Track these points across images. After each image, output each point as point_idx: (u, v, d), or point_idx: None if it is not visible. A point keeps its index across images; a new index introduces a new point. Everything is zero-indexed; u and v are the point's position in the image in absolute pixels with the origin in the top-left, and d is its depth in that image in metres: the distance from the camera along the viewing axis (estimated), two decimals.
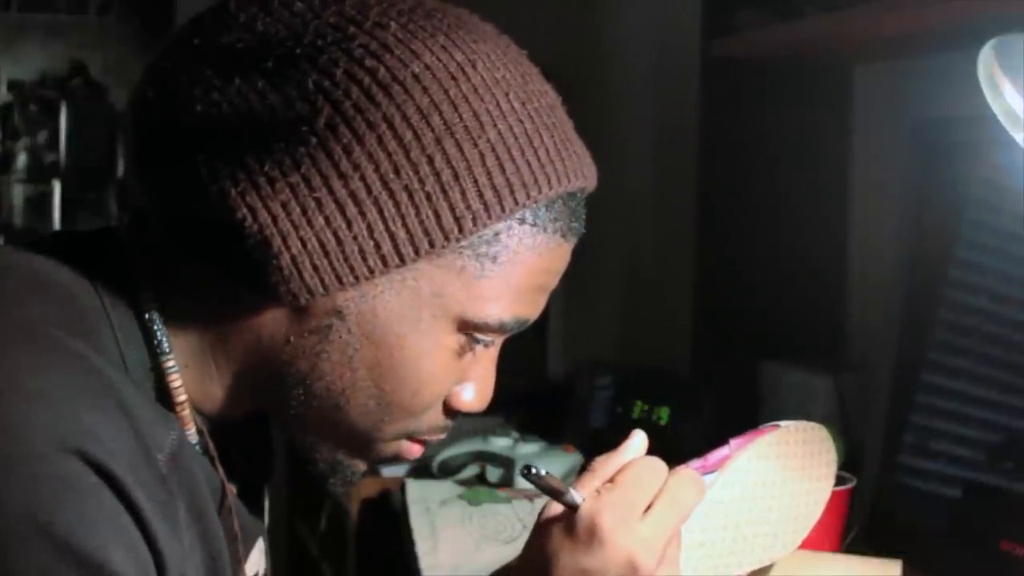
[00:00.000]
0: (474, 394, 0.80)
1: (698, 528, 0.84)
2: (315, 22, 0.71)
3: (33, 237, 0.78)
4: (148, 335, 0.73)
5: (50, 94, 3.47)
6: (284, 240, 0.68)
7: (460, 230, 0.70)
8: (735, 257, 1.85)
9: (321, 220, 0.68)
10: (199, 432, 0.75)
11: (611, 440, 1.98)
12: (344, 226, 0.69)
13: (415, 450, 0.81)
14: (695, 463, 0.85)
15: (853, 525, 1.34)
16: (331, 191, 0.68)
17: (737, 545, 0.86)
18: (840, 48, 1.68)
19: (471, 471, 1.76)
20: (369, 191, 0.68)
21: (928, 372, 1.45)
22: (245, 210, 0.68)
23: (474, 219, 0.70)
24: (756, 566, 0.89)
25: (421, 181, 0.69)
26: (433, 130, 0.69)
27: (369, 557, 1.81)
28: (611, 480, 0.78)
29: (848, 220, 1.84)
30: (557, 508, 0.78)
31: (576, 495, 0.76)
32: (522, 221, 0.73)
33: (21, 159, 3.55)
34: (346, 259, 0.69)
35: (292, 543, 2.67)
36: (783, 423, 0.89)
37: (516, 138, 0.71)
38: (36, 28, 3.39)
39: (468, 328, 0.75)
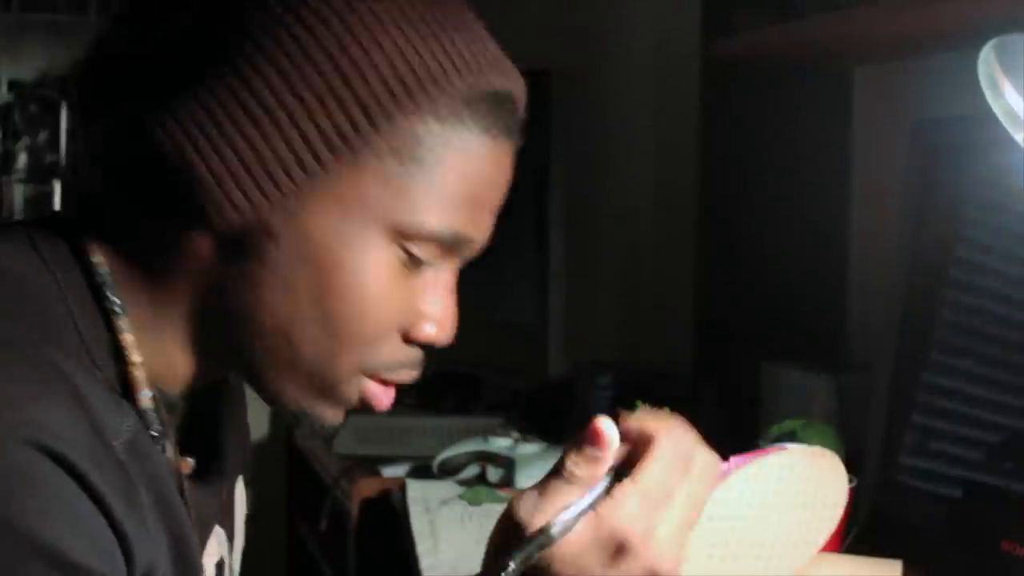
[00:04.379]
0: (433, 322, 0.77)
1: None
2: None
3: None
4: (101, 300, 0.73)
5: (50, 94, 3.47)
6: (201, 156, 0.69)
7: (372, 126, 0.70)
8: (735, 257, 1.85)
9: (233, 131, 0.69)
10: (154, 400, 0.74)
11: None
12: (258, 136, 0.69)
13: (381, 395, 0.78)
14: None
15: (853, 525, 1.34)
16: (242, 105, 0.69)
17: (725, 565, 0.83)
18: (840, 48, 1.68)
19: (471, 471, 1.76)
20: (278, 99, 0.69)
21: (928, 372, 1.45)
22: (163, 137, 0.69)
23: (385, 114, 0.70)
24: None
25: (325, 79, 0.69)
26: (330, 29, 0.70)
27: (369, 557, 1.81)
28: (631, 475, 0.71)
29: (848, 220, 1.84)
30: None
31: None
32: (440, 119, 0.72)
33: (21, 159, 3.54)
34: (265, 168, 0.70)
35: (292, 543, 2.67)
36: (790, 446, 0.85)
37: (418, 32, 0.71)
38: (36, 28, 3.39)
39: (401, 239, 0.73)
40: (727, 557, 0.82)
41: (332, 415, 0.78)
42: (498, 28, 0.77)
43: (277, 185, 0.70)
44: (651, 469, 0.70)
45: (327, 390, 0.76)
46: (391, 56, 0.70)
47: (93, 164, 0.74)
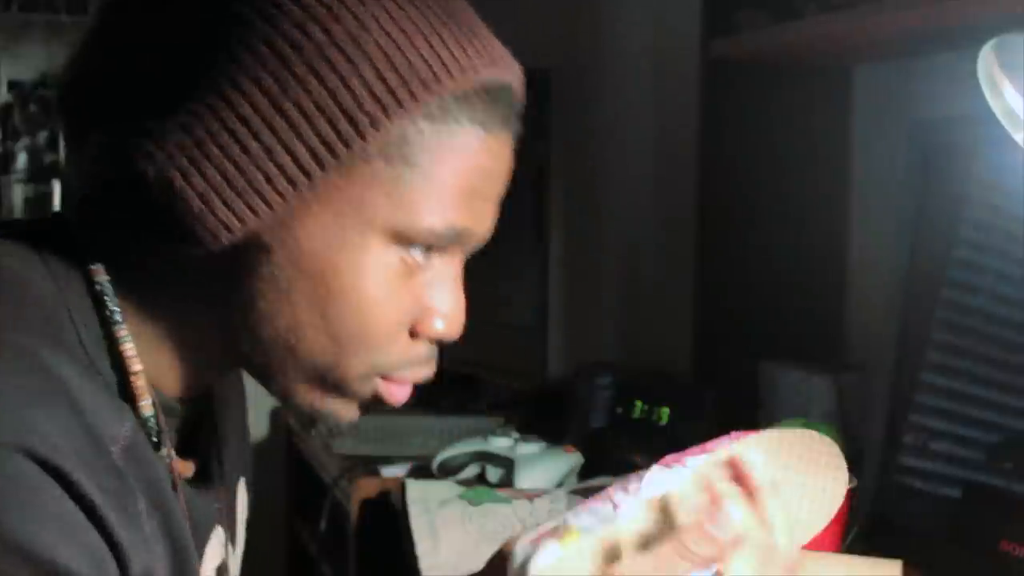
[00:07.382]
0: (441, 317, 0.75)
1: None
2: None
3: None
4: (101, 308, 0.73)
5: (50, 94, 3.47)
6: (185, 178, 0.68)
7: (358, 134, 0.68)
8: (735, 257, 1.85)
9: (216, 151, 0.68)
10: (154, 406, 0.74)
11: (611, 440, 1.97)
12: (240, 152, 0.68)
13: (396, 391, 0.77)
14: (694, 449, 0.84)
15: (853, 525, 1.34)
16: (221, 121, 0.68)
17: None
18: (840, 48, 1.68)
19: (471, 471, 1.76)
20: (259, 113, 0.68)
21: (928, 372, 1.45)
22: (143, 160, 0.68)
23: (371, 120, 0.69)
24: None
25: (308, 92, 0.68)
26: (312, 40, 0.68)
27: (369, 557, 1.81)
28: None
29: (848, 220, 1.85)
30: None
31: None
32: (431, 118, 0.70)
33: (21, 159, 3.55)
34: (252, 185, 0.68)
35: (292, 543, 2.67)
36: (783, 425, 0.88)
37: (405, 34, 0.69)
38: (36, 28, 3.39)
39: (401, 240, 0.72)
40: None
41: (346, 413, 0.77)
42: (498, 28, 0.77)
43: (266, 201, 0.69)
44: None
45: (338, 389, 0.75)
46: (376, 61, 0.68)
47: (83, 183, 0.73)
